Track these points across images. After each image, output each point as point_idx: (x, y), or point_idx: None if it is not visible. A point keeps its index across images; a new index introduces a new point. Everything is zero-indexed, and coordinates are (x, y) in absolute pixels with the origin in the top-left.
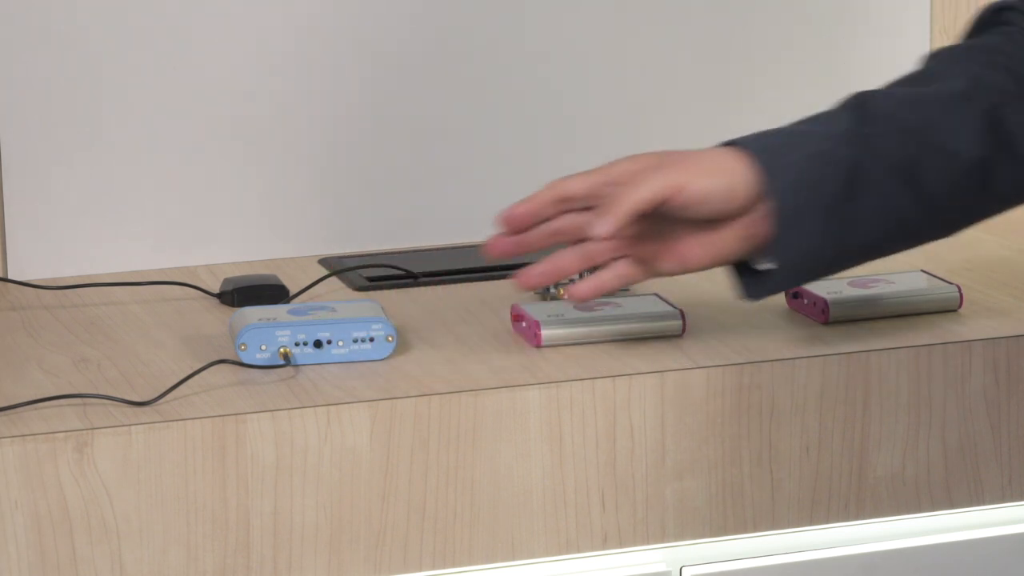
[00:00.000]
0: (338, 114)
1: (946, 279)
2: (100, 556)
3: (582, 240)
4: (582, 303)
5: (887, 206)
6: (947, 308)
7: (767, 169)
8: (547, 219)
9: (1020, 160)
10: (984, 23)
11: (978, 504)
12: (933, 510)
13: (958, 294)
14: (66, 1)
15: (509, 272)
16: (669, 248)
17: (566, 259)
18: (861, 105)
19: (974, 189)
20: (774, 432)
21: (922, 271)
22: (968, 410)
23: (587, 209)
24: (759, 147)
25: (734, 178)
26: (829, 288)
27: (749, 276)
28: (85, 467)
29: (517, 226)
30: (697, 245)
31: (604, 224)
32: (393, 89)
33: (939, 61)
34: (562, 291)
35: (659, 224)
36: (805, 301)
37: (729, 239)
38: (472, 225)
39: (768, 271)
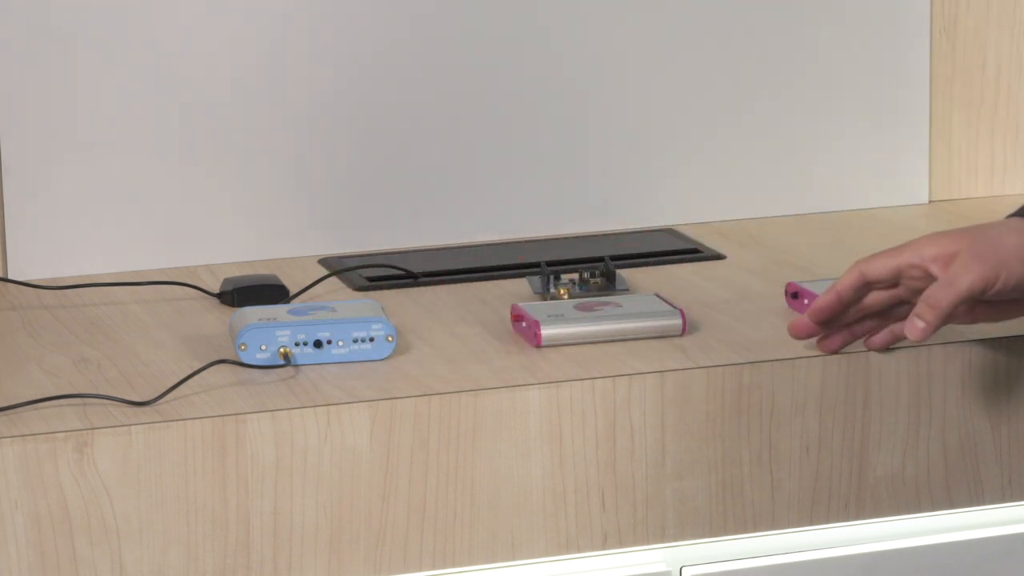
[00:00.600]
0: (338, 114)
1: None
2: (100, 556)
3: (882, 312)
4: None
5: None
6: None
7: None
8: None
9: None
10: None
11: (978, 504)
12: (933, 510)
13: None
14: (66, 1)
15: (509, 272)
16: (973, 309)
17: (867, 326)
18: None
19: None
20: (774, 432)
21: None
22: (968, 410)
23: (891, 287)
24: None
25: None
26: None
27: None
28: (85, 467)
29: (826, 318)
30: (990, 309)
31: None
32: (393, 89)
33: None
34: (562, 291)
35: None
36: (805, 301)
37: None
38: (472, 225)
39: None
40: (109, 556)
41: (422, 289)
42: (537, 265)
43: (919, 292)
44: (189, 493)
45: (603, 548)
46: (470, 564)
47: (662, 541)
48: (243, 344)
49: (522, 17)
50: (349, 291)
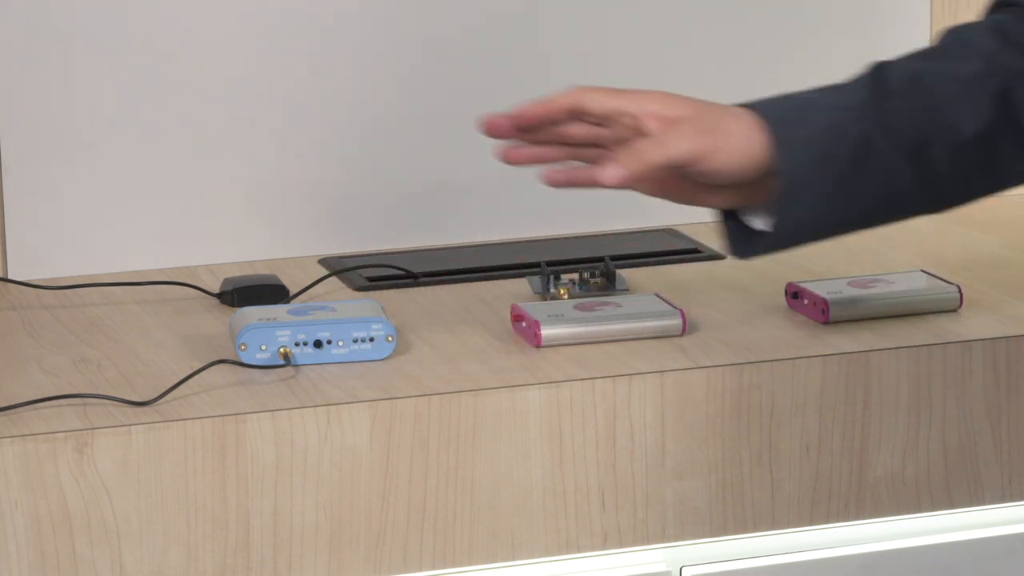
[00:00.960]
0: (338, 114)
1: (946, 279)
2: (100, 556)
3: (582, 145)
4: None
5: (892, 182)
6: (947, 308)
7: (780, 142)
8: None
9: None
10: (997, 6)
11: (978, 504)
12: (933, 510)
13: (958, 294)
14: (66, 1)
15: (509, 272)
16: (664, 180)
17: (555, 153)
18: (879, 77)
19: (980, 168)
20: (774, 432)
21: (922, 271)
22: (968, 410)
23: (599, 124)
24: (777, 116)
25: (750, 152)
26: (829, 288)
27: (738, 232)
28: (85, 467)
29: (525, 125)
30: (694, 189)
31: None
32: (393, 89)
33: (956, 38)
34: (562, 291)
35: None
36: (805, 301)
37: (730, 197)
38: (472, 225)
39: (761, 232)
40: (109, 556)
41: (422, 289)
42: (537, 265)
43: (623, 143)
44: (189, 493)
45: (603, 548)
46: (470, 564)
47: (662, 541)
48: (243, 344)
49: (522, 17)
50: (349, 291)
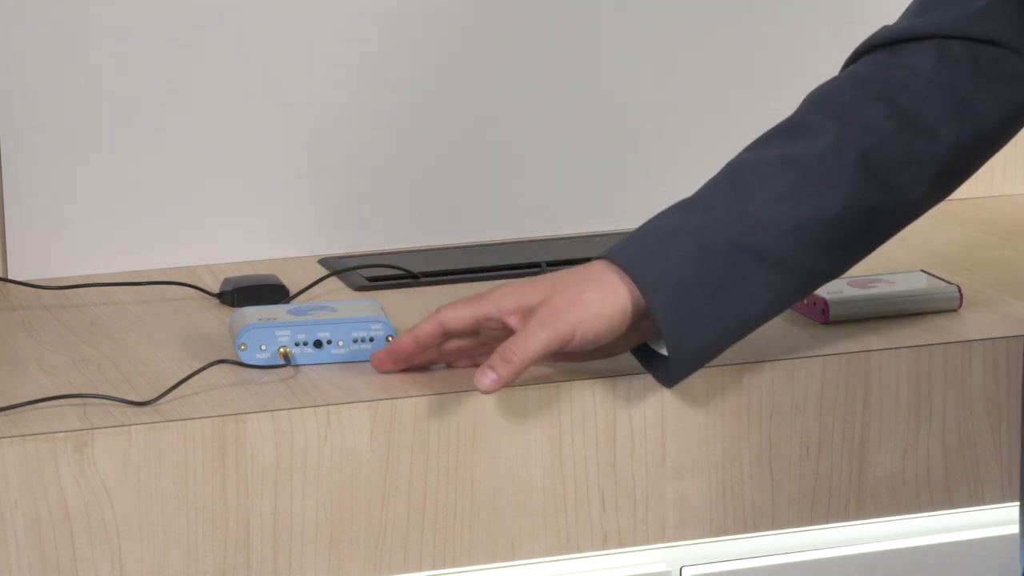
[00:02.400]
0: (338, 114)
1: (946, 279)
2: (100, 556)
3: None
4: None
5: (772, 280)
6: (947, 308)
7: (647, 288)
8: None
9: (894, 191)
10: (868, 48)
11: (978, 504)
12: (933, 510)
13: (958, 294)
14: (66, 1)
15: (509, 272)
16: (557, 356)
17: (455, 354)
18: (736, 180)
19: (857, 233)
20: (774, 432)
21: (922, 271)
22: (968, 410)
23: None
24: (636, 261)
25: (617, 310)
26: (829, 288)
27: (655, 362)
28: (85, 467)
29: (404, 358)
30: (591, 352)
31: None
32: (393, 89)
33: (814, 107)
34: None
35: None
36: (805, 301)
37: (620, 347)
38: (472, 225)
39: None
40: (109, 556)
41: (422, 289)
42: (537, 265)
43: (500, 341)
44: (189, 493)
45: (603, 548)
46: (470, 564)
47: (662, 541)
48: (243, 344)
49: (522, 17)
50: (349, 291)
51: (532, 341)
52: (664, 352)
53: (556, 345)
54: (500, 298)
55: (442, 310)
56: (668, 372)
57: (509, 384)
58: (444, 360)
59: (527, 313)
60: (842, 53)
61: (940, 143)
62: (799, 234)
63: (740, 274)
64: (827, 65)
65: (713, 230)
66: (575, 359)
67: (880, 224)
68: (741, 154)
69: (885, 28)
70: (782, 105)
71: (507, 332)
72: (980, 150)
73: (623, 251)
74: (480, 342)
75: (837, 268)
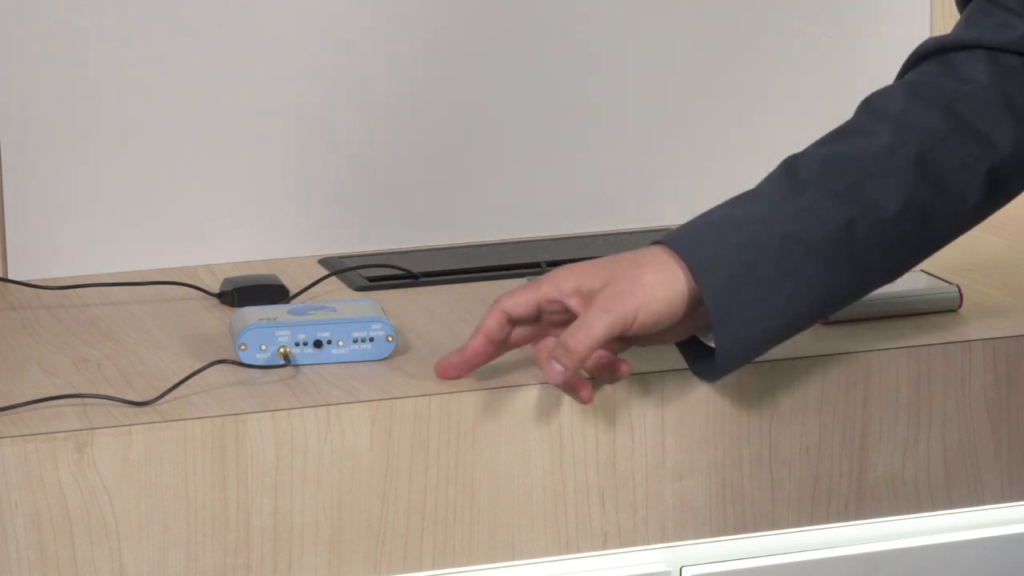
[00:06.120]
0: (338, 114)
1: (946, 279)
2: (100, 556)
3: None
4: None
5: (823, 275)
6: (947, 308)
7: (697, 272)
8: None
9: (953, 193)
10: (919, 58)
11: (978, 504)
12: (933, 510)
13: (958, 294)
14: (66, 1)
15: (510, 272)
16: (617, 341)
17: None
18: (790, 173)
19: (911, 235)
20: (774, 432)
21: (922, 271)
22: (968, 410)
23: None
24: (689, 246)
25: (676, 293)
26: None
27: (699, 355)
28: (85, 467)
29: (473, 361)
30: (647, 339)
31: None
32: (393, 89)
33: (869, 111)
34: None
35: None
36: None
37: (677, 332)
38: (472, 225)
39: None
40: (109, 556)
41: (422, 289)
42: (537, 265)
43: (562, 325)
44: (189, 493)
45: (603, 548)
46: (470, 564)
47: (662, 541)
48: (243, 344)
49: (522, 17)
50: (349, 291)
51: (594, 327)
52: (713, 344)
53: (619, 329)
54: (560, 281)
55: (502, 299)
56: (714, 363)
57: (577, 372)
58: (510, 350)
59: (588, 296)
60: (842, 54)
61: (996, 149)
62: (852, 231)
63: (791, 265)
64: (827, 66)
65: (766, 221)
66: (636, 343)
67: (935, 227)
68: (799, 152)
69: (933, 38)
70: (782, 105)
71: (569, 315)
72: None
73: (678, 237)
74: (543, 328)
75: (891, 270)
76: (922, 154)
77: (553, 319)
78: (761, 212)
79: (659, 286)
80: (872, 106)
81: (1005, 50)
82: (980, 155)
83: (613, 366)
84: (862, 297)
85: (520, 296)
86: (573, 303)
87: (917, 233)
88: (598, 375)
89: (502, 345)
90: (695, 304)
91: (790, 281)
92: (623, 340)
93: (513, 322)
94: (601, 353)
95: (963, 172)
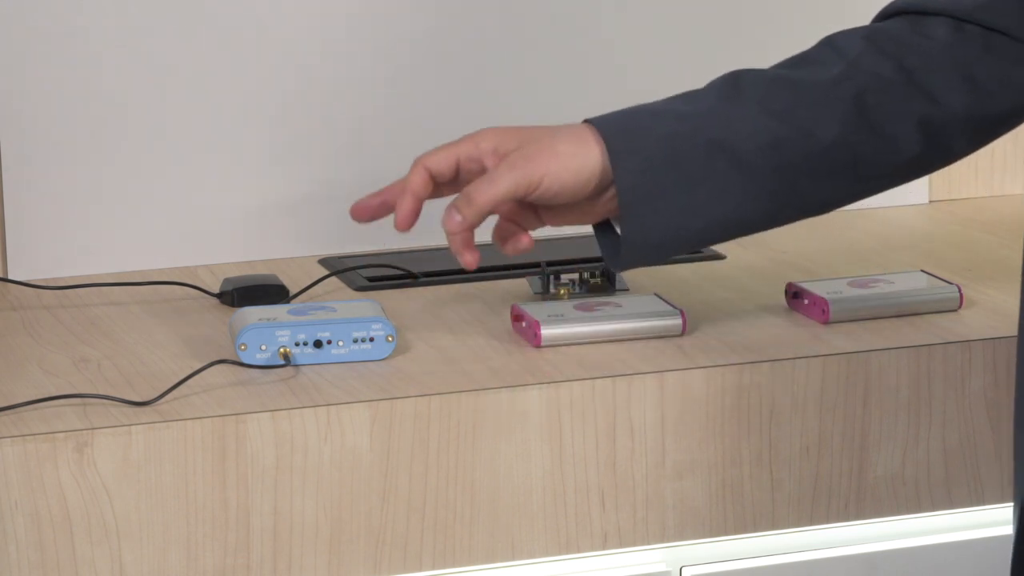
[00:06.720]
0: (338, 114)
1: (946, 279)
2: (100, 556)
3: None
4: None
5: (750, 186)
6: (947, 308)
7: (615, 153)
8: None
9: (887, 140)
10: (892, 12)
11: (978, 504)
12: (933, 510)
13: (958, 294)
14: (66, 1)
15: (509, 272)
16: (528, 211)
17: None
18: (734, 84)
19: (839, 172)
20: (774, 432)
21: (922, 271)
22: (968, 410)
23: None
24: (614, 129)
25: (586, 167)
26: (829, 288)
27: (610, 243)
28: (85, 467)
29: (410, 224)
30: (549, 213)
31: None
32: (393, 89)
33: (827, 45)
34: (562, 291)
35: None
36: (805, 301)
37: (589, 213)
38: None
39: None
40: (109, 556)
41: (422, 289)
42: (537, 265)
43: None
44: (189, 493)
45: (603, 548)
46: (470, 564)
47: (662, 541)
48: (243, 344)
49: (521, 16)
50: (349, 291)
51: (497, 183)
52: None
53: (523, 190)
54: (479, 139)
55: (422, 157)
56: (619, 252)
57: (474, 226)
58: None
59: (502, 156)
60: None
61: (940, 107)
62: (779, 150)
63: (712, 169)
64: None
65: (696, 121)
66: (548, 217)
67: (865, 170)
68: (743, 69)
69: None
70: None
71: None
72: (987, 127)
73: (605, 118)
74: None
75: (811, 201)
76: (861, 93)
77: (470, 179)
78: (694, 112)
79: (570, 156)
80: (832, 43)
81: (967, 20)
82: (921, 110)
83: (517, 237)
84: (781, 224)
85: (440, 152)
86: (489, 161)
87: (846, 171)
88: (501, 241)
89: (427, 198)
90: (605, 186)
91: (708, 184)
92: (532, 209)
93: (434, 178)
94: (508, 213)
95: (901, 122)
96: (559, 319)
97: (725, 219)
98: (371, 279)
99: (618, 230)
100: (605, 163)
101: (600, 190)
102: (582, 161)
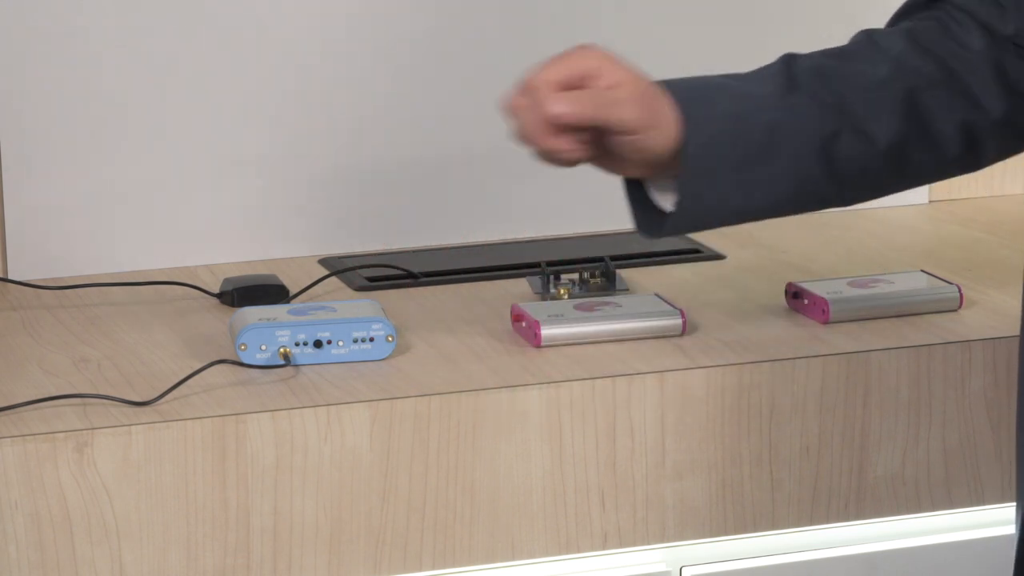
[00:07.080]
0: (338, 114)
1: (946, 279)
2: (100, 556)
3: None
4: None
5: (799, 174)
6: (947, 308)
7: (689, 121)
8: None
9: (933, 139)
10: (913, 7)
11: (978, 504)
12: (933, 510)
13: (958, 294)
14: (66, 1)
15: (509, 272)
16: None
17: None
18: (788, 70)
19: (888, 169)
20: (774, 432)
21: (922, 271)
22: (968, 410)
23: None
24: (688, 96)
25: (666, 131)
26: (829, 288)
27: (645, 209)
28: (85, 467)
29: None
30: (608, 158)
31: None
32: (393, 89)
33: (868, 40)
34: (562, 291)
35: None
36: (805, 301)
37: (639, 169)
38: (472, 225)
39: (666, 214)
40: (109, 556)
41: (422, 289)
42: (537, 265)
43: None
44: (189, 493)
45: (603, 548)
46: (470, 564)
47: (662, 541)
48: (243, 344)
49: (521, 16)
50: (349, 291)
51: (622, 109)
52: (663, 206)
53: (630, 128)
54: (586, 54)
55: (525, 78)
56: (660, 221)
57: (579, 119)
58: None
59: (610, 83)
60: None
61: (982, 111)
62: (836, 143)
63: (772, 151)
64: None
65: (759, 101)
66: (612, 146)
67: (911, 168)
68: (795, 53)
69: None
70: None
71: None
72: (1017, 135)
73: (677, 84)
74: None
75: (858, 195)
76: (913, 91)
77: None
78: (756, 91)
79: (670, 118)
80: (874, 41)
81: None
82: (964, 112)
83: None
84: (821, 209)
85: (548, 68)
86: (606, 76)
87: (896, 169)
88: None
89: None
90: (674, 150)
91: (765, 166)
92: (600, 135)
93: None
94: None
95: (948, 122)
96: (559, 319)
97: (775, 201)
98: (371, 279)
99: (654, 199)
100: (677, 131)
101: (665, 152)
102: (666, 126)
